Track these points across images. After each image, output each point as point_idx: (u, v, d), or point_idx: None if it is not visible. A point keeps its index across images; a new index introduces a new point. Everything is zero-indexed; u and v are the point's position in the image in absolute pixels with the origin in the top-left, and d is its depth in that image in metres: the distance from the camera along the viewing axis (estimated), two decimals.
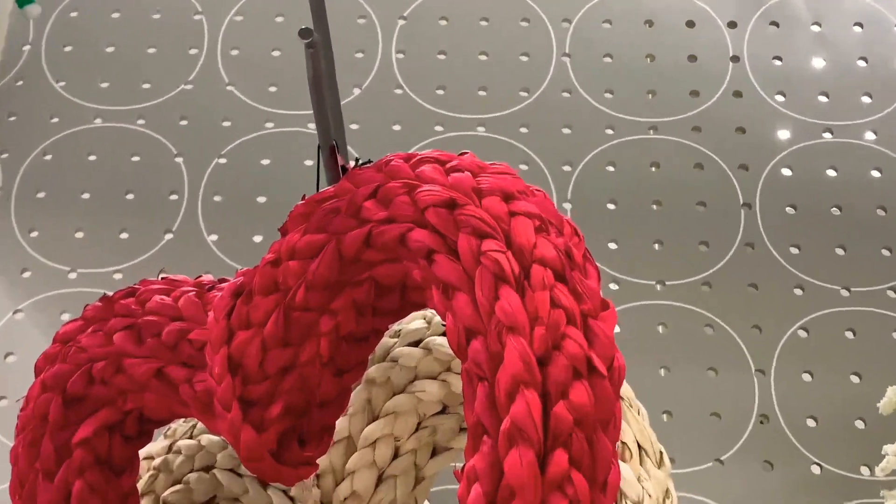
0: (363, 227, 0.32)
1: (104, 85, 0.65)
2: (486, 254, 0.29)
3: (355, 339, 0.35)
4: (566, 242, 0.30)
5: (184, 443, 0.43)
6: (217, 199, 0.62)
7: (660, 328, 0.57)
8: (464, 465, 0.29)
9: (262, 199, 0.62)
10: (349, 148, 0.54)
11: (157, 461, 0.43)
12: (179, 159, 0.63)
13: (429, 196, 0.31)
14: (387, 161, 0.33)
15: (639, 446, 0.36)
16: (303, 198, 0.35)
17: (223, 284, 0.37)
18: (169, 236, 0.60)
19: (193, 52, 0.66)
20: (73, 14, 0.67)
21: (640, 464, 0.36)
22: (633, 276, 0.58)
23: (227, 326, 0.34)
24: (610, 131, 0.63)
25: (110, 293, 0.38)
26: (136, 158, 0.63)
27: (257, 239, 0.60)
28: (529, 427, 0.27)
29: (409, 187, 0.32)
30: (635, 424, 0.36)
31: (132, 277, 0.58)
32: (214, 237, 0.60)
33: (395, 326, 0.41)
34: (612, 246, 0.59)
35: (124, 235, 0.60)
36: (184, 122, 0.64)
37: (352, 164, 0.43)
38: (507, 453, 0.27)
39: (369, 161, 0.42)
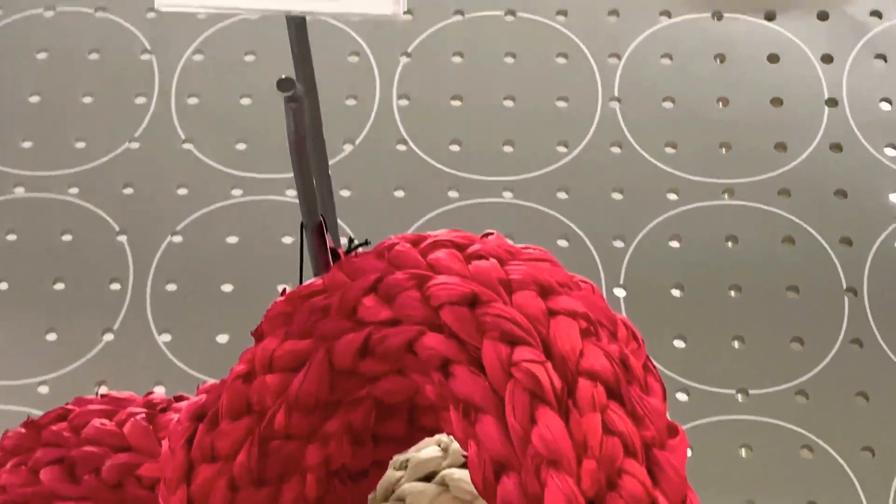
0: (360, 331, 0.32)
1: (26, 144, 0.66)
2: (518, 365, 0.30)
3: (350, 475, 0.35)
4: (621, 349, 0.30)
5: None
6: (170, 288, 0.62)
7: (743, 451, 0.57)
8: None
9: (227, 289, 0.62)
10: (340, 223, 0.55)
11: None
12: (122, 238, 0.63)
13: (444, 290, 0.31)
14: (390, 245, 0.34)
15: None
16: (283, 292, 0.35)
17: (180, 404, 0.37)
18: (109, 337, 0.61)
19: (140, 101, 0.67)
20: None
21: None
22: (707, 383, 0.58)
23: (186, 459, 0.34)
24: (673, 196, 0.63)
25: (36, 414, 0.38)
26: (67, 237, 0.63)
27: (222, 339, 0.61)
28: None
29: (418, 279, 0.32)
30: None
31: (62, 392, 0.59)
32: (167, 337, 0.61)
33: (401, 456, 0.40)
34: (679, 344, 0.59)
35: (51, 337, 0.61)
36: (128, 191, 0.65)
37: (344, 246, 0.44)
38: None
39: (367, 243, 0.43)
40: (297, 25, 0.39)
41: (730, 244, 0.62)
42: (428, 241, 0.33)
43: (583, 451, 0.28)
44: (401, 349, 0.32)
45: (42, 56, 0.69)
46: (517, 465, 0.29)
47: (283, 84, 0.35)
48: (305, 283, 0.36)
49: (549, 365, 0.29)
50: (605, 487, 0.28)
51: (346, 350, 0.32)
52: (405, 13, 0.36)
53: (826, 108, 0.66)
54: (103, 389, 0.59)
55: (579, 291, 0.31)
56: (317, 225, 0.40)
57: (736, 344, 0.59)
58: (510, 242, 0.34)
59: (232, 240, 0.63)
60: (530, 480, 0.28)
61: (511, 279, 0.31)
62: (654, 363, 0.32)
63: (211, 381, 0.57)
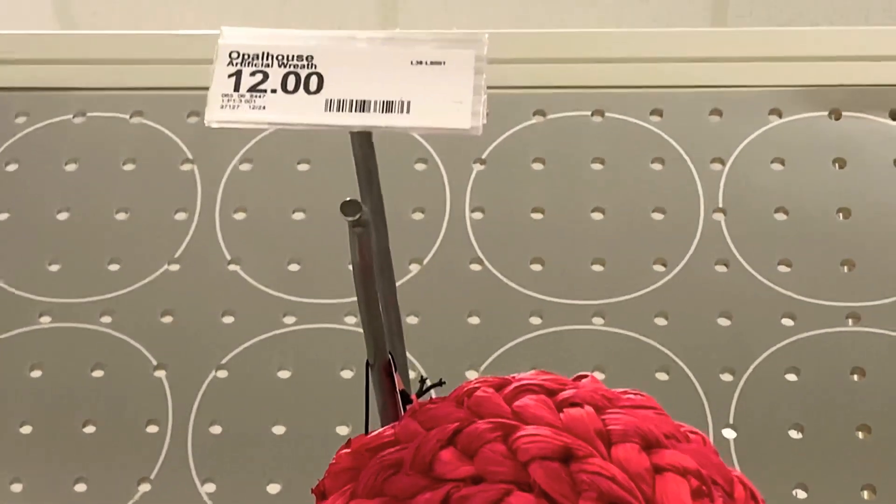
0: (438, 489, 0.33)
1: (53, 268, 0.67)
2: None
3: None
4: None
5: None
6: (215, 430, 0.62)
7: None
8: None
9: (279, 431, 0.62)
10: (407, 356, 0.55)
11: None
12: (161, 373, 0.64)
13: (534, 443, 0.31)
14: (470, 389, 0.34)
15: None
16: (348, 443, 0.35)
17: None
18: (145, 487, 0.61)
19: (181, 217, 0.68)
20: (10, 168, 0.70)
21: None
22: None
23: None
24: (789, 322, 0.63)
25: None
26: (98, 373, 0.64)
27: (273, 489, 0.61)
28: None
29: (504, 430, 0.32)
30: None
31: None
32: (211, 487, 0.61)
33: None
34: (801, 495, 0.59)
35: (80, 487, 0.61)
36: (167, 320, 0.65)
37: (415, 386, 0.44)
38: None
39: (441, 383, 0.43)
40: (363, 140, 0.39)
41: (856, 377, 0.62)
42: (513, 386, 0.34)
43: None
44: None
45: (71, 168, 0.70)
46: None
47: (347, 208, 0.36)
48: (373, 432, 0.36)
49: None
50: None
51: None
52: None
53: None
54: None
55: (688, 444, 0.31)
56: (385, 364, 0.40)
57: (866, 494, 0.59)
58: (606, 387, 0.34)
59: (284, 374, 0.64)
60: None
61: (610, 430, 0.31)
62: None
63: None
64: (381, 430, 0.35)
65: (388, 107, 0.36)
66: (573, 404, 0.32)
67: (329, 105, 0.36)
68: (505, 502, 0.32)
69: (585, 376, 0.34)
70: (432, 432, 0.33)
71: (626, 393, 0.33)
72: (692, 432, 0.32)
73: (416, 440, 0.34)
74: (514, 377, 0.34)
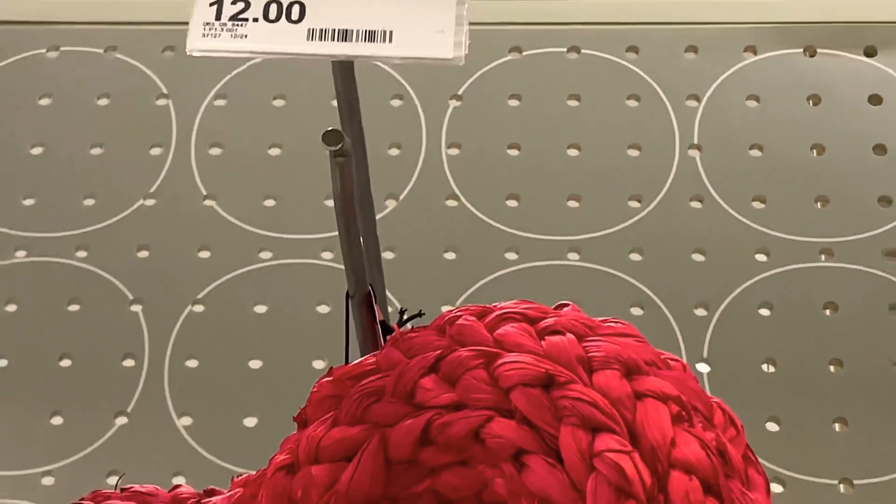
0: (419, 417, 0.33)
1: (28, 202, 0.67)
2: (601, 455, 0.30)
3: None
4: (718, 437, 0.31)
5: None
6: (191, 364, 0.63)
7: None
8: None
9: (255, 365, 0.63)
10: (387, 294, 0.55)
11: None
12: (137, 308, 0.64)
13: (516, 370, 0.32)
14: (452, 318, 0.34)
15: None
16: (329, 371, 0.35)
17: (213, 499, 0.37)
18: (122, 420, 0.61)
19: (156, 152, 0.68)
20: None
21: None
22: (805, 472, 0.58)
23: None
24: (762, 258, 0.64)
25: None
26: (74, 307, 0.64)
27: (249, 423, 0.61)
28: None
29: (486, 357, 0.32)
30: None
31: (69, 484, 0.59)
32: (187, 421, 0.61)
33: None
34: (772, 427, 0.59)
35: (57, 421, 0.61)
36: (143, 255, 0.65)
37: (394, 318, 0.44)
38: None
39: (421, 314, 0.43)
40: (344, 71, 0.39)
41: (828, 312, 0.62)
42: (495, 314, 0.34)
43: None
44: (466, 437, 0.32)
45: (45, 102, 0.70)
46: None
47: (329, 137, 0.36)
48: (353, 361, 0.37)
49: (636, 455, 0.30)
50: None
51: (404, 438, 0.33)
52: None
53: None
54: (112, 480, 0.59)
55: (669, 371, 0.32)
56: (365, 295, 0.40)
57: (837, 427, 0.59)
58: (587, 316, 0.34)
59: (260, 309, 0.64)
60: None
61: (591, 357, 0.32)
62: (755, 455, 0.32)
63: (238, 470, 0.58)
64: (362, 359, 0.35)
65: (370, 36, 0.36)
66: (554, 332, 0.33)
67: (311, 34, 0.36)
68: (486, 428, 0.32)
69: (566, 305, 0.34)
70: (414, 360, 0.34)
71: (606, 321, 0.33)
72: (672, 359, 0.32)
73: (397, 368, 0.34)
74: (495, 306, 0.34)
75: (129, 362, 0.62)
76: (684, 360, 0.60)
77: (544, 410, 0.31)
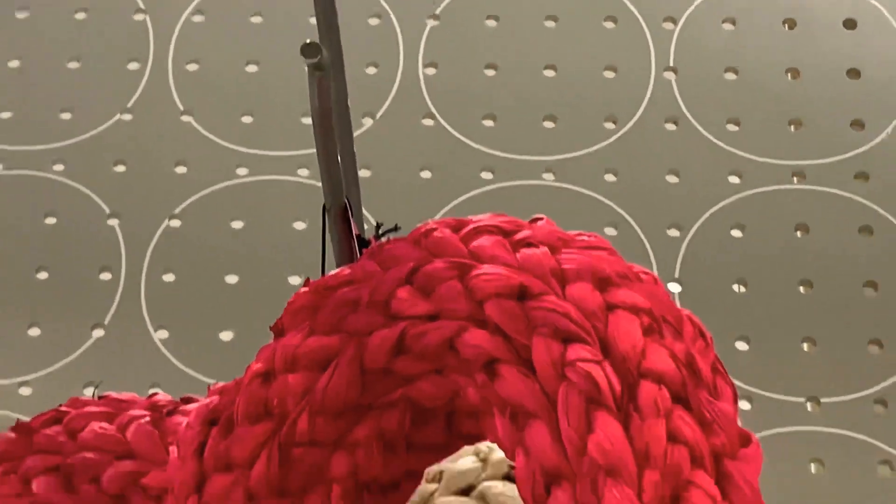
0: (394, 326, 0.33)
1: (4, 115, 0.67)
2: (573, 365, 0.30)
3: (381, 487, 0.36)
4: (687, 348, 0.31)
5: None
6: (168, 278, 0.63)
7: (812, 467, 0.57)
8: None
9: (231, 280, 0.63)
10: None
11: None
12: (114, 222, 0.64)
13: (489, 282, 0.32)
14: (427, 230, 0.34)
15: None
16: (306, 282, 0.36)
17: (189, 407, 0.38)
18: (98, 333, 0.62)
19: (133, 67, 0.68)
20: None
21: None
22: (773, 390, 0.59)
23: (197, 468, 0.35)
24: (735, 180, 0.64)
25: (25, 418, 0.39)
26: (51, 220, 0.64)
27: (225, 337, 0.61)
28: None
29: (460, 269, 0.33)
30: None
31: (46, 394, 0.60)
32: (164, 334, 0.62)
33: (435, 467, 0.41)
34: (741, 346, 0.60)
35: (34, 332, 0.62)
36: (120, 169, 0.65)
37: (371, 232, 0.45)
38: None
39: (396, 228, 0.43)
40: None
41: (799, 234, 0.63)
42: (470, 227, 0.34)
43: (645, 461, 0.29)
44: (440, 347, 0.32)
45: (22, 15, 0.70)
46: (571, 477, 0.29)
47: (308, 50, 0.36)
48: (329, 273, 0.37)
49: (607, 365, 0.30)
50: (669, 502, 0.29)
51: (379, 347, 0.33)
52: None
53: None
54: (88, 391, 0.60)
55: (640, 284, 0.32)
56: (341, 208, 0.41)
57: (806, 346, 0.60)
58: (561, 229, 0.34)
59: (237, 225, 0.64)
60: (585, 494, 0.29)
61: (564, 269, 0.32)
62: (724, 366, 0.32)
63: (213, 382, 0.58)
64: (338, 270, 0.35)
65: None
66: (528, 244, 0.33)
67: None
68: (460, 338, 0.32)
69: (540, 219, 0.35)
70: (389, 271, 0.34)
71: (579, 235, 0.34)
72: (643, 272, 0.32)
73: (373, 279, 0.34)
74: (470, 219, 0.35)
75: (105, 275, 0.63)
76: None
77: (517, 321, 0.31)
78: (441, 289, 0.33)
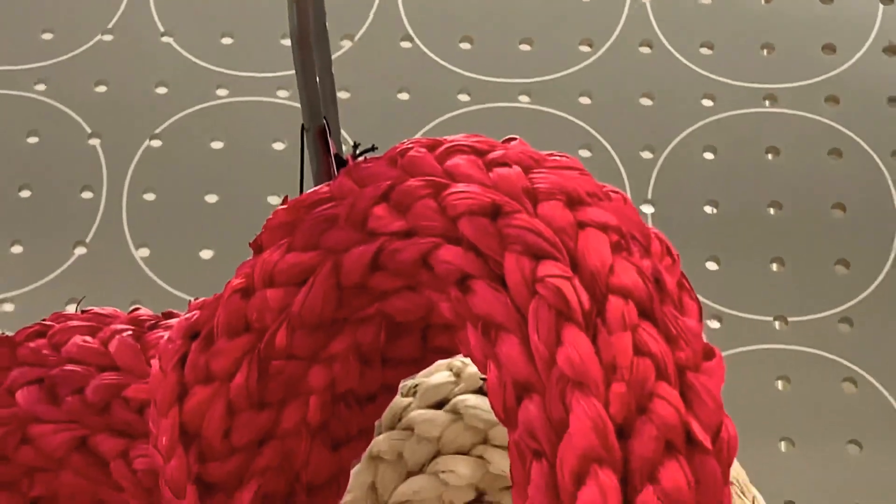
0: (371, 243, 0.33)
1: None
2: (543, 280, 0.31)
3: (357, 399, 0.36)
4: (654, 265, 0.32)
5: None
6: (148, 197, 0.63)
7: (780, 384, 0.58)
8: None
9: (211, 199, 0.63)
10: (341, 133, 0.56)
11: None
12: (95, 141, 0.64)
13: (463, 200, 0.32)
14: (403, 150, 0.35)
15: None
16: (284, 200, 0.36)
17: (170, 321, 0.38)
18: (80, 251, 0.62)
19: None
20: None
21: None
22: (742, 309, 0.60)
23: (178, 380, 0.35)
24: (708, 103, 0.65)
25: (8, 333, 0.39)
26: (33, 140, 0.65)
27: (205, 255, 0.62)
28: None
29: (435, 187, 0.33)
30: None
31: (29, 310, 0.60)
32: (145, 252, 0.62)
33: (409, 382, 0.42)
34: (712, 266, 0.61)
35: (17, 249, 0.62)
36: (101, 89, 0.66)
37: (349, 152, 0.45)
38: None
39: (374, 148, 0.44)
40: None
41: (770, 156, 0.63)
42: (445, 147, 0.34)
43: (611, 373, 0.30)
44: (415, 263, 0.33)
45: None
46: (540, 388, 0.30)
47: None
48: (307, 191, 0.37)
49: (576, 281, 0.31)
50: (634, 412, 0.29)
51: (355, 263, 0.34)
52: None
53: (881, 6, 0.66)
54: (71, 308, 0.60)
55: (610, 202, 0.33)
56: (319, 128, 0.41)
57: (774, 266, 0.61)
58: (533, 149, 0.35)
59: (216, 145, 0.64)
60: (554, 404, 0.30)
61: (536, 188, 0.32)
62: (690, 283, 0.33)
63: (193, 299, 0.58)
64: (316, 188, 0.36)
65: None
66: (502, 164, 0.33)
67: None
68: (435, 254, 0.33)
69: (514, 139, 0.35)
70: (366, 189, 0.34)
71: (552, 155, 0.34)
72: (613, 192, 0.33)
73: (350, 197, 0.34)
74: (445, 139, 0.35)
75: (87, 194, 0.63)
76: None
77: (490, 238, 0.32)
78: (416, 207, 0.33)
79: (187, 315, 0.37)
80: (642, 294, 0.31)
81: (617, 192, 0.33)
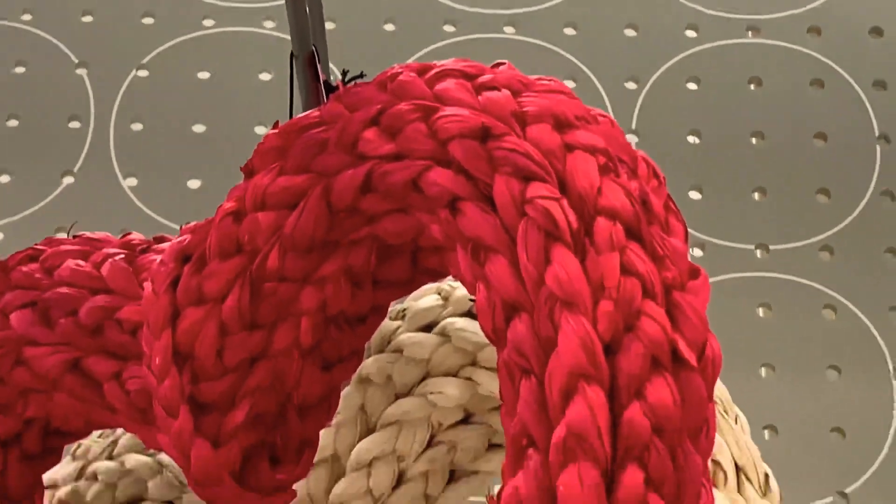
0: (361, 166, 0.34)
1: None
2: (532, 202, 0.31)
3: (348, 321, 0.37)
4: (642, 187, 0.32)
5: (101, 465, 0.45)
6: (136, 127, 0.63)
7: (761, 311, 0.59)
8: (500, 489, 0.31)
9: (198, 129, 0.64)
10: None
11: (62, 491, 0.45)
12: (82, 71, 0.64)
13: (453, 123, 0.33)
14: (393, 74, 0.35)
15: (736, 467, 0.38)
16: (275, 125, 0.36)
17: (162, 245, 0.39)
18: (68, 180, 0.62)
19: None
20: None
21: (739, 490, 0.38)
22: (724, 238, 0.60)
23: (171, 302, 0.36)
24: (691, 33, 0.65)
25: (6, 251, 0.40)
26: (20, 69, 0.65)
27: (193, 185, 0.62)
28: (592, 436, 0.29)
29: (425, 111, 0.33)
30: (732, 437, 0.38)
31: (18, 238, 0.60)
32: (132, 182, 0.62)
33: (398, 306, 0.42)
34: (695, 196, 0.61)
35: (5, 178, 0.62)
36: (87, 19, 0.66)
37: (336, 80, 0.45)
38: (562, 472, 0.29)
39: (362, 75, 0.44)
40: None
41: (753, 87, 0.64)
42: (434, 71, 0.34)
43: (599, 291, 0.30)
44: (405, 185, 0.33)
45: None
46: (529, 308, 0.31)
47: None
48: (300, 115, 0.37)
49: (564, 202, 0.31)
50: (621, 330, 0.30)
51: (346, 186, 0.34)
52: None
53: None
54: (60, 237, 0.60)
55: (598, 125, 0.33)
56: (309, 55, 0.41)
57: (756, 196, 0.61)
58: (522, 73, 0.35)
59: (203, 75, 0.65)
60: (543, 322, 0.30)
61: (525, 111, 0.33)
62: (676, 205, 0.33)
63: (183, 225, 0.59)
64: (307, 112, 0.36)
65: None
66: (491, 88, 0.33)
67: None
68: (425, 177, 0.33)
69: (503, 64, 0.35)
70: (356, 113, 0.34)
71: (540, 79, 0.34)
72: (601, 115, 0.33)
73: (340, 121, 0.35)
74: (434, 63, 0.35)
75: (74, 124, 0.63)
76: None
77: (480, 160, 0.32)
78: (406, 130, 0.33)
79: (179, 239, 0.37)
80: (630, 215, 0.31)
81: (604, 116, 0.34)
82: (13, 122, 0.63)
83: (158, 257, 0.37)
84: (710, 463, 0.35)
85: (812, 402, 0.57)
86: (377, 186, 0.34)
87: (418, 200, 0.33)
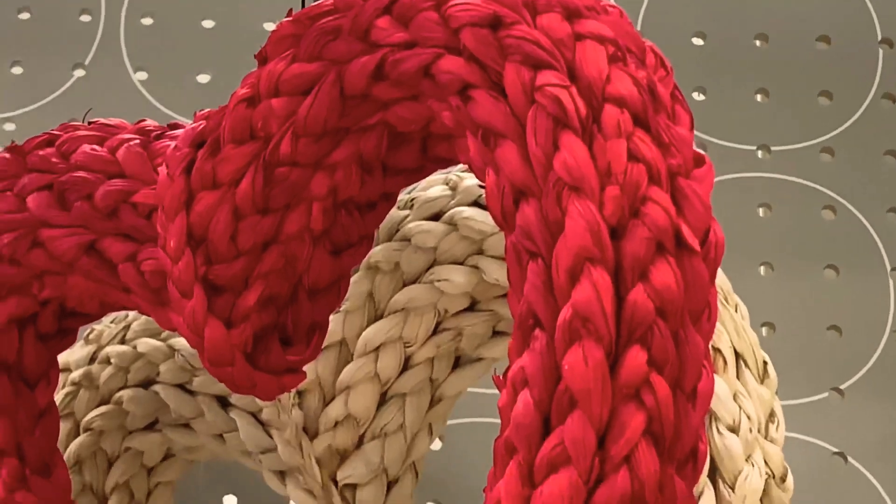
0: (374, 54, 0.34)
1: None
2: (542, 89, 0.31)
3: (358, 207, 0.37)
4: (649, 76, 0.32)
5: (113, 349, 0.46)
6: (146, 21, 0.63)
7: (761, 211, 0.59)
8: (507, 369, 0.31)
9: (208, 24, 0.64)
10: None
11: (76, 374, 0.46)
12: None
13: (465, 11, 0.33)
14: None
15: (736, 354, 0.39)
16: (289, 13, 0.37)
17: (176, 132, 0.39)
18: (79, 73, 0.62)
19: None
20: None
21: (738, 377, 0.38)
22: (726, 138, 0.61)
23: (185, 186, 0.36)
24: None
25: (17, 142, 0.40)
26: None
27: (203, 79, 0.62)
28: (597, 317, 0.30)
29: (436, 0, 0.34)
30: (732, 324, 0.39)
31: (30, 130, 0.60)
32: (143, 76, 0.62)
33: (406, 196, 0.43)
34: (698, 97, 0.62)
35: (17, 70, 0.62)
36: None
37: None
38: (567, 351, 0.30)
39: None
40: None
41: None
42: None
43: (606, 177, 0.31)
44: (417, 73, 0.34)
45: None
46: (537, 192, 0.31)
47: None
48: (311, 4, 0.38)
49: (573, 89, 0.31)
50: (627, 215, 0.30)
51: (359, 73, 0.34)
52: None
53: None
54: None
55: (607, 16, 0.33)
56: None
57: (759, 97, 0.62)
58: None
59: None
60: (551, 207, 0.31)
61: (535, 1, 0.33)
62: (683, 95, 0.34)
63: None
64: (320, 1, 0.36)
65: None
66: None
67: None
68: (436, 65, 0.33)
69: None
70: (369, 2, 0.35)
71: None
72: (610, 6, 0.34)
73: (354, 9, 0.35)
74: None
75: (85, 17, 0.63)
76: None
77: (491, 48, 0.32)
78: (419, 18, 0.34)
79: (193, 124, 0.38)
80: (637, 103, 0.31)
81: (614, 7, 0.34)
82: (25, 15, 0.63)
83: (173, 143, 0.38)
84: (709, 348, 0.36)
85: (810, 300, 0.58)
86: (389, 74, 0.34)
87: (429, 88, 0.34)
